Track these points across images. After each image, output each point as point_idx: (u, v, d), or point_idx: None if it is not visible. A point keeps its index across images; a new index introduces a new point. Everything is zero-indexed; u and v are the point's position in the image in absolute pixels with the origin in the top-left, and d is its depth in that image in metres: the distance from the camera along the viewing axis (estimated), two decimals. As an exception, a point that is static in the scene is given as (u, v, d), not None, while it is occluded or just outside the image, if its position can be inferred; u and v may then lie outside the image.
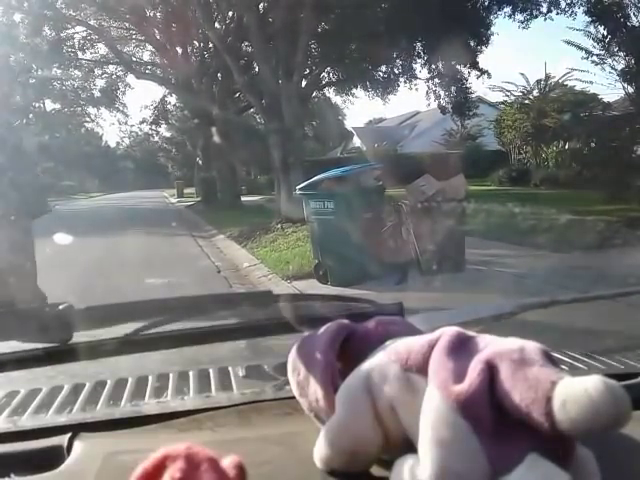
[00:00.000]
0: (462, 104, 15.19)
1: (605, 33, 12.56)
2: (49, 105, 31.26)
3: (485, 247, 7.30)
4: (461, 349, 0.52)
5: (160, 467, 0.45)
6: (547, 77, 20.84)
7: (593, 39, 12.99)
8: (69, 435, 0.66)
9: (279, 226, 10.34)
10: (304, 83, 13.66)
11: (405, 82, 16.13)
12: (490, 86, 23.67)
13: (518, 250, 7.26)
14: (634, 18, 12.21)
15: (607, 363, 0.87)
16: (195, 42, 19.13)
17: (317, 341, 0.62)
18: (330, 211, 5.80)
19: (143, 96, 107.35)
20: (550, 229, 7.18)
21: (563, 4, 12.64)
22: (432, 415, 0.49)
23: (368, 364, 0.58)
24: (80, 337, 0.76)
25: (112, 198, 37.81)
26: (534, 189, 16.93)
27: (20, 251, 3.51)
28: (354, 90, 18.52)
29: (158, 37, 18.60)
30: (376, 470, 0.58)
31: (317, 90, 18.40)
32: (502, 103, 22.20)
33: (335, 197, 5.79)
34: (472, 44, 13.65)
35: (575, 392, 0.43)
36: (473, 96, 15.89)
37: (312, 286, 5.77)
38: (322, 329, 0.63)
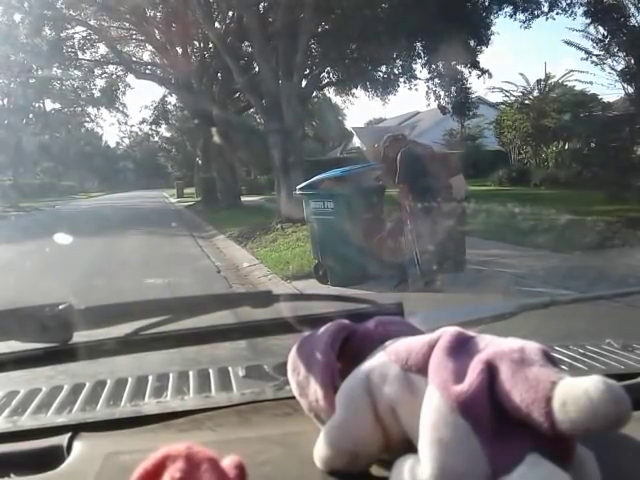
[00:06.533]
0: (462, 104, 15.19)
1: (605, 33, 12.59)
2: (49, 105, 31.34)
3: (485, 247, 7.29)
4: (461, 349, 0.52)
5: (160, 467, 0.45)
6: (547, 77, 20.87)
7: (593, 40, 13.03)
8: (69, 435, 0.66)
9: (279, 226, 10.34)
10: (304, 83, 13.65)
11: (405, 82, 16.15)
12: (490, 87, 23.69)
13: (518, 250, 7.26)
14: (634, 18, 12.23)
15: (607, 363, 0.86)
16: (195, 42, 19.14)
17: (317, 341, 0.62)
18: (330, 211, 5.80)
19: (143, 96, 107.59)
20: (550, 229, 7.18)
21: (563, 4, 12.66)
22: (432, 415, 0.49)
23: (368, 364, 0.58)
24: (80, 337, 0.75)
25: (112, 198, 37.86)
26: (534, 189, 16.92)
27: None
28: (354, 90, 18.54)
29: (158, 37, 18.61)
30: (376, 470, 0.58)
31: (317, 90, 18.40)
32: (502, 103, 22.21)
33: (335, 197, 5.78)
34: (472, 44, 13.65)
35: (575, 392, 0.43)
36: (473, 96, 15.90)
37: (312, 286, 5.77)
38: (322, 329, 0.63)
